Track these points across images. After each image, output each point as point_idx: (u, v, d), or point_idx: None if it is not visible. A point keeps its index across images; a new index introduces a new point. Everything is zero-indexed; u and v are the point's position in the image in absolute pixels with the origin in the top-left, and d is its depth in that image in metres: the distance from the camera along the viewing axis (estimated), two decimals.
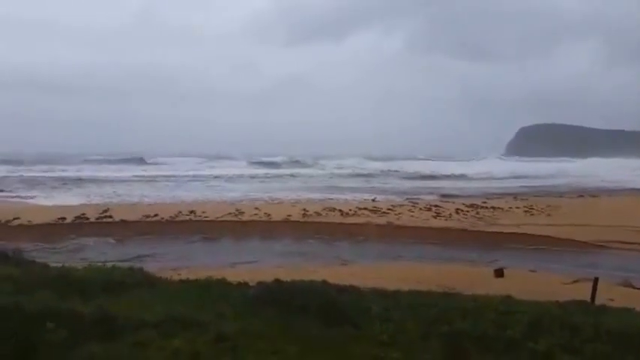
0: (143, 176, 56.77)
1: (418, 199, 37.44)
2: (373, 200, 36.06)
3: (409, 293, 9.80)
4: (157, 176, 57.14)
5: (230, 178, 58.11)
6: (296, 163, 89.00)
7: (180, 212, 28.06)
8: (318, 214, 28.89)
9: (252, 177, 61.19)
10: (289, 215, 28.12)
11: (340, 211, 29.75)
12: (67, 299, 6.44)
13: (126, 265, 11.33)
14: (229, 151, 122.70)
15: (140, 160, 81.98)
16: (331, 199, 37.44)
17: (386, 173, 73.36)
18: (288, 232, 24.91)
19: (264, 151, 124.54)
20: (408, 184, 56.93)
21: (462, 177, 69.61)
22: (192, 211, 28.31)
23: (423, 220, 28.18)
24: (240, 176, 61.21)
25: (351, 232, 25.10)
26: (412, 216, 29.32)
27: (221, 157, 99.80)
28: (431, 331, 6.58)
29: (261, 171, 71.20)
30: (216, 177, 59.12)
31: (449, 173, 73.88)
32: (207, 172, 66.54)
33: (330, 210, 29.98)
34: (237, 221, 27.26)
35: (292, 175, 65.09)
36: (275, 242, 23.39)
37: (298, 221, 27.40)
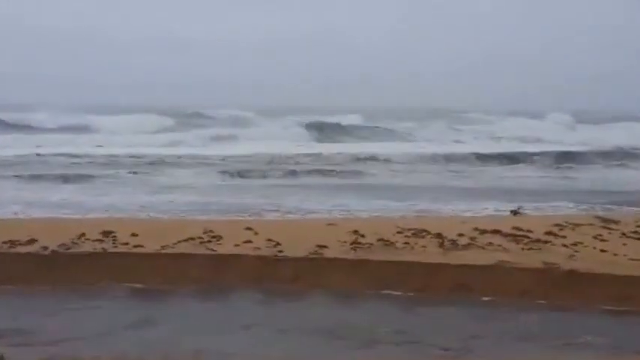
0: (21, 156, 38.54)
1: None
2: (515, 213, 21.81)
3: None
4: (47, 156, 39.47)
5: (197, 162, 39.52)
6: (377, 130, 61.46)
7: (84, 235, 18.38)
8: (386, 243, 16.68)
9: (257, 161, 41.06)
10: (321, 246, 17.39)
11: (439, 236, 16.59)
12: None
13: None
14: (224, 100, 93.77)
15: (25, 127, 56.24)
16: (423, 211, 24.00)
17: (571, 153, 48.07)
18: (315, 282, 15.98)
19: (321, 105, 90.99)
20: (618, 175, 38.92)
21: None
22: (108, 233, 16.80)
23: (630, 260, 16.72)
24: (242, 159, 41.23)
25: (461, 283, 16.02)
26: (604, 250, 17.62)
27: (204, 114, 71.47)
28: None
29: (297, 146, 47.58)
30: (172, 158, 40.09)
31: None
32: (173, 149, 45.16)
33: (416, 235, 17.14)
34: (205, 256, 16.79)
35: (364, 158, 42.66)
36: (286, 304, 15.05)
37: (342, 258, 16.84)
